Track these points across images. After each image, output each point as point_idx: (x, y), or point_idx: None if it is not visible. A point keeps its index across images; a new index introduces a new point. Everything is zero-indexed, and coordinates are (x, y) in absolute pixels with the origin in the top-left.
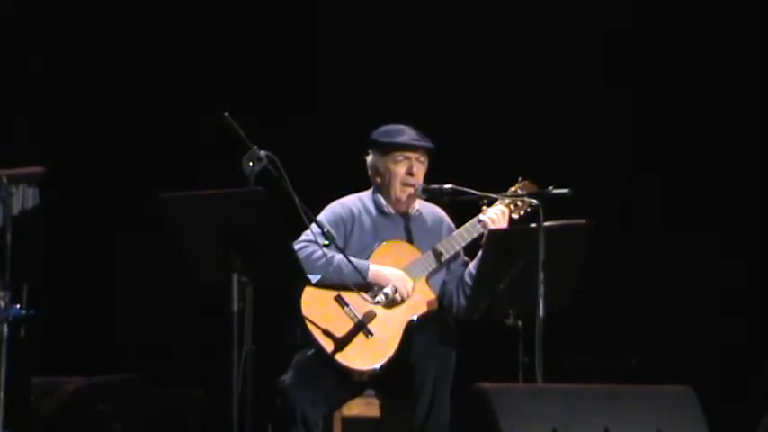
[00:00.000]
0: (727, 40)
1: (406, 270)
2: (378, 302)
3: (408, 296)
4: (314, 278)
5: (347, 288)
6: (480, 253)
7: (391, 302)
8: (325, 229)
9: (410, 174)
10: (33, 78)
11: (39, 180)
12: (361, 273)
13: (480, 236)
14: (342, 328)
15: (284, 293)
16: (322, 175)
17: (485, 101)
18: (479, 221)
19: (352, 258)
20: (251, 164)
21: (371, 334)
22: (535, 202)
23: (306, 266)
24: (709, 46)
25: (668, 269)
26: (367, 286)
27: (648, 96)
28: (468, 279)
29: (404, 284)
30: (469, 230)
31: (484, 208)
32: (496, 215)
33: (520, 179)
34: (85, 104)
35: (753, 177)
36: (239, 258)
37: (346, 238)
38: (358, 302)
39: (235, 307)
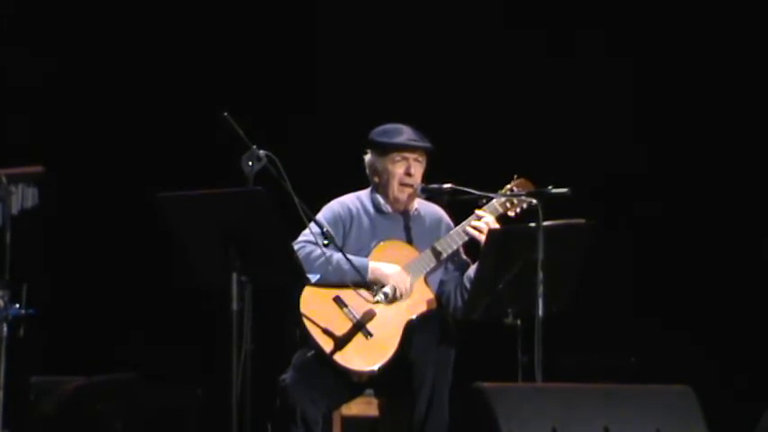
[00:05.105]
0: (729, 40)
1: (404, 269)
2: (377, 302)
3: (408, 293)
4: (313, 278)
5: (347, 286)
6: (480, 253)
7: (392, 300)
8: (325, 229)
9: (408, 174)
10: (33, 78)
11: (38, 179)
12: (361, 271)
13: None
14: (341, 328)
15: (283, 293)
16: (321, 175)
17: (483, 101)
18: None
19: (351, 257)
20: (250, 163)
21: (371, 334)
22: (534, 201)
23: (305, 266)
24: (710, 45)
25: (668, 268)
26: (366, 285)
27: (648, 95)
28: (467, 282)
29: (402, 281)
30: (467, 229)
31: (480, 210)
32: (487, 224)
33: (515, 177)
34: (85, 104)
35: (754, 175)
36: (238, 258)
37: (345, 236)
38: (357, 303)
39: (234, 306)
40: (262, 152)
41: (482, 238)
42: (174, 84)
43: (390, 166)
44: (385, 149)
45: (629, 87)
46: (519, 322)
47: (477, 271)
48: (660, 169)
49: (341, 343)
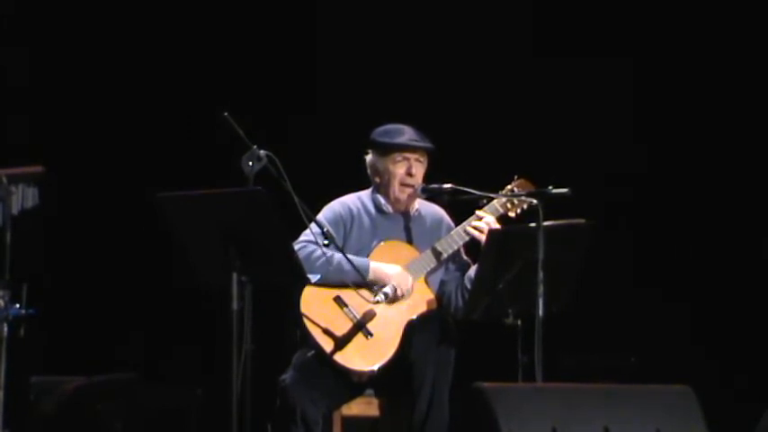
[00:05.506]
0: (729, 40)
1: (405, 269)
2: (378, 302)
3: (409, 293)
4: (314, 278)
5: (347, 286)
6: (480, 253)
7: (392, 299)
8: (325, 229)
9: (409, 174)
10: (33, 78)
11: (38, 179)
12: (362, 271)
13: None
14: (341, 328)
15: (283, 293)
16: (322, 175)
17: (484, 101)
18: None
19: (352, 257)
20: (250, 163)
21: (371, 334)
22: (535, 201)
23: (305, 266)
24: (710, 45)
25: (668, 268)
26: (367, 285)
27: (648, 95)
28: (467, 283)
29: (404, 281)
30: (468, 229)
31: (480, 210)
32: (488, 224)
33: (516, 177)
34: (85, 104)
35: (754, 175)
36: (238, 258)
37: (345, 237)
38: (357, 303)
39: (234, 306)
40: (262, 152)
41: (483, 238)
42: (174, 84)
43: (392, 167)
44: (386, 150)
45: (629, 87)
46: (519, 322)
47: (478, 271)
48: (660, 169)
49: (341, 343)
